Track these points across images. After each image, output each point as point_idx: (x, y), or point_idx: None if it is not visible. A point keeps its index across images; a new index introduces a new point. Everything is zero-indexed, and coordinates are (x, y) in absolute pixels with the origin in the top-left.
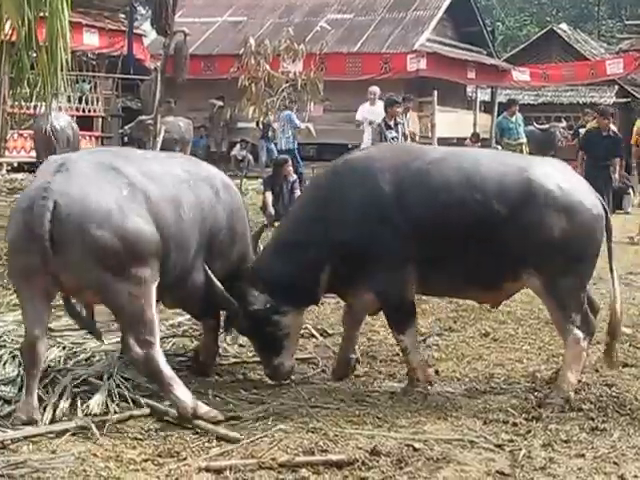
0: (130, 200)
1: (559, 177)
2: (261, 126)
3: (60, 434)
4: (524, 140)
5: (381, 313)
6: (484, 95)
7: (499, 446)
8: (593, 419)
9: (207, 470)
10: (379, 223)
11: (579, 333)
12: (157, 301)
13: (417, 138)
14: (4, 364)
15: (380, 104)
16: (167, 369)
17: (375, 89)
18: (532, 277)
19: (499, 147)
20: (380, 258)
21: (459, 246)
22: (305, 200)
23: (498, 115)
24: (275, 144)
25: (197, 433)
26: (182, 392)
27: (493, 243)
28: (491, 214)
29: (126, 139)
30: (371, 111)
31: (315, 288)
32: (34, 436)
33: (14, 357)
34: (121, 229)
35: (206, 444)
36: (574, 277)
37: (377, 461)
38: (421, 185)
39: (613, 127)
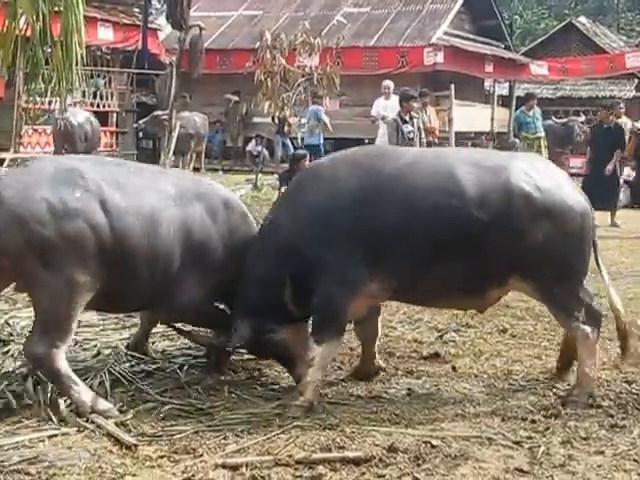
0: (79, 202)
1: (539, 176)
2: (277, 121)
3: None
4: (542, 134)
5: (397, 308)
6: (502, 89)
7: (517, 443)
8: (612, 416)
9: (223, 467)
10: (335, 233)
11: (586, 328)
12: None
13: (437, 133)
14: (14, 359)
15: (395, 98)
16: (65, 369)
17: (389, 83)
18: (519, 283)
19: (517, 141)
20: (333, 270)
21: (436, 254)
22: (271, 209)
23: (516, 109)
24: (293, 139)
25: (213, 430)
26: (80, 390)
27: (473, 249)
28: (468, 219)
29: (141, 134)
30: (385, 106)
31: (283, 306)
32: (53, 435)
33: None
34: (59, 227)
35: (222, 441)
36: (567, 278)
37: (394, 458)
38: (390, 192)
39: (627, 120)
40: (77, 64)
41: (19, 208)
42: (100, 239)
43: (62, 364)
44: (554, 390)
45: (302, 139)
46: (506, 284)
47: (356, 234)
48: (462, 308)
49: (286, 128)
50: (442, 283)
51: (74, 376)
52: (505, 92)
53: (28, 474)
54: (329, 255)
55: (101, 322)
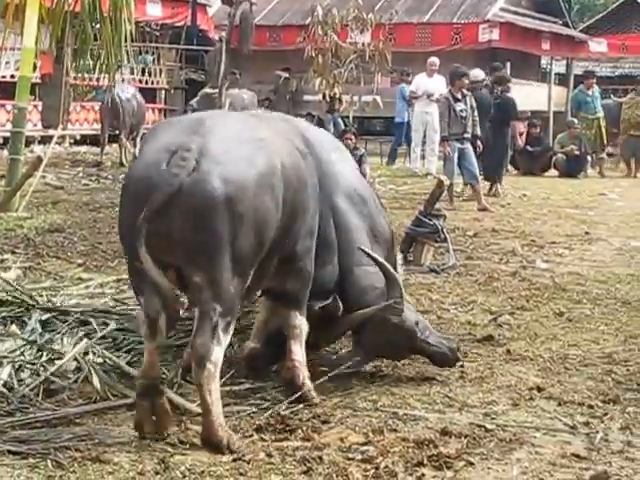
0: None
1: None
2: (328, 99)
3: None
4: (601, 114)
5: (450, 290)
6: (559, 67)
7: (574, 428)
8: None
9: (273, 448)
10: None
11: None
12: None
13: None
14: (62, 337)
15: (438, 77)
16: None
17: (435, 60)
18: None
19: (575, 121)
20: None
21: None
22: None
23: (574, 88)
24: (345, 117)
25: (264, 410)
26: None
27: None
28: None
29: (189, 112)
30: (427, 83)
31: None
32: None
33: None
34: None
35: (273, 421)
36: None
37: (448, 441)
38: None
39: None
40: (126, 40)
41: None
42: None
43: None
44: (612, 375)
45: (354, 118)
46: None
47: None
48: None
49: (337, 105)
50: None
51: None
52: (562, 70)
53: (78, 451)
54: None
55: None
